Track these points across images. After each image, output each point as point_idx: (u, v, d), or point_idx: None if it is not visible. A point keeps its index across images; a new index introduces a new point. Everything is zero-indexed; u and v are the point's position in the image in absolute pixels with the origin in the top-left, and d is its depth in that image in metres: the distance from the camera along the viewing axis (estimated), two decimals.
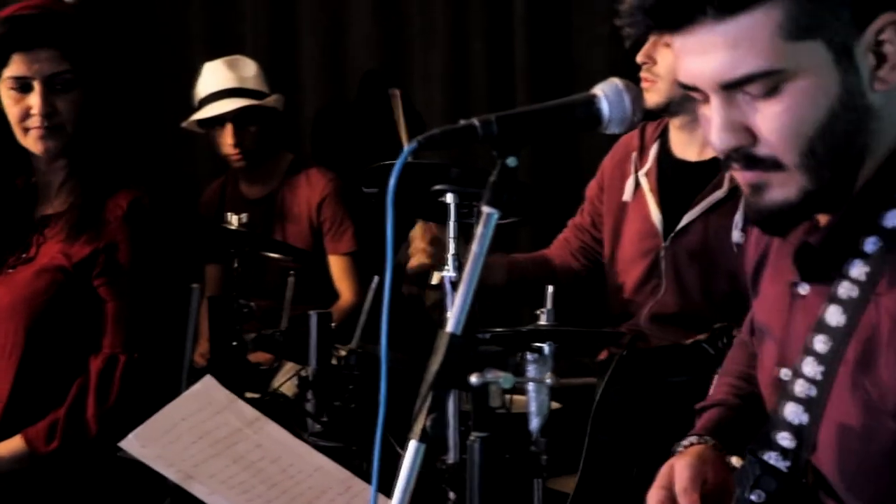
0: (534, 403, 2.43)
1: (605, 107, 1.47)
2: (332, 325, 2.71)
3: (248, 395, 2.71)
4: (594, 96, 1.48)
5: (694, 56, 1.43)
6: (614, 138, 3.09)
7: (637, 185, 2.99)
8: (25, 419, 2.50)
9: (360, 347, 2.61)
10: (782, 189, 1.44)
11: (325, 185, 3.86)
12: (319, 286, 3.82)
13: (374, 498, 1.42)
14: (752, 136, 1.43)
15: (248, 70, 3.86)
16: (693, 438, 1.68)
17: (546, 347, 2.42)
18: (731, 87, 1.42)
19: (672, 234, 2.87)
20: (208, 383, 2.13)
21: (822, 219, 1.51)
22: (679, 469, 1.59)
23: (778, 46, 1.39)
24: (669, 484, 1.61)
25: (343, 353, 2.63)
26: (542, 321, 2.47)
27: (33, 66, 2.51)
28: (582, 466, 2.28)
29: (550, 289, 2.45)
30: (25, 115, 2.52)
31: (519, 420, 2.49)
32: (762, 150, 1.43)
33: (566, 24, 3.64)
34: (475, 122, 1.44)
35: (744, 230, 2.46)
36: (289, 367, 3.18)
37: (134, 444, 2.01)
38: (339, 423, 2.55)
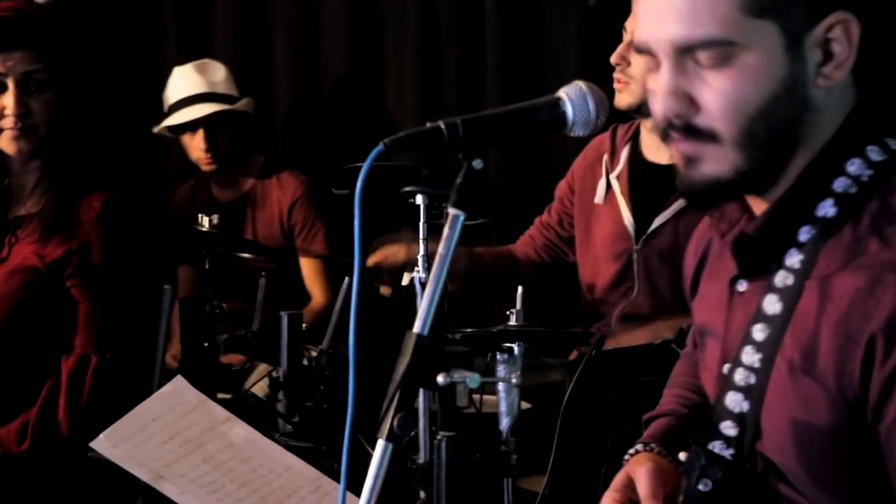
0: (504, 403, 2.45)
1: (569, 110, 1.50)
2: (304, 326, 2.72)
3: (221, 395, 2.73)
4: (558, 99, 1.50)
5: (654, 17, 1.47)
6: (585, 140, 3.11)
7: (608, 187, 3.01)
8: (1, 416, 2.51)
9: (331, 348, 2.61)
10: (715, 164, 1.47)
11: (297, 188, 3.86)
12: (292, 288, 3.83)
13: (343, 496, 1.44)
14: (695, 106, 1.46)
15: (217, 74, 3.86)
16: (639, 447, 1.70)
17: (516, 348, 2.44)
18: (684, 52, 1.45)
19: (644, 237, 2.89)
20: (179, 384, 2.14)
21: (758, 209, 1.53)
22: (641, 476, 1.61)
23: (736, 18, 1.42)
24: (624, 488, 1.64)
25: (314, 353, 2.63)
26: (512, 321, 2.49)
27: (7, 65, 2.51)
28: (551, 466, 2.30)
29: (521, 290, 2.47)
30: None
31: (489, 420, 2.51)
32: (702, 121, 1.46)
33: (537, 24, 3.65)
34: (441, 125, 1.45)
35: None
36: (262, 369, 3.20)
37: (105, 444, 2.02)
38: (310, 423, 2.56)
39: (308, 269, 3.87)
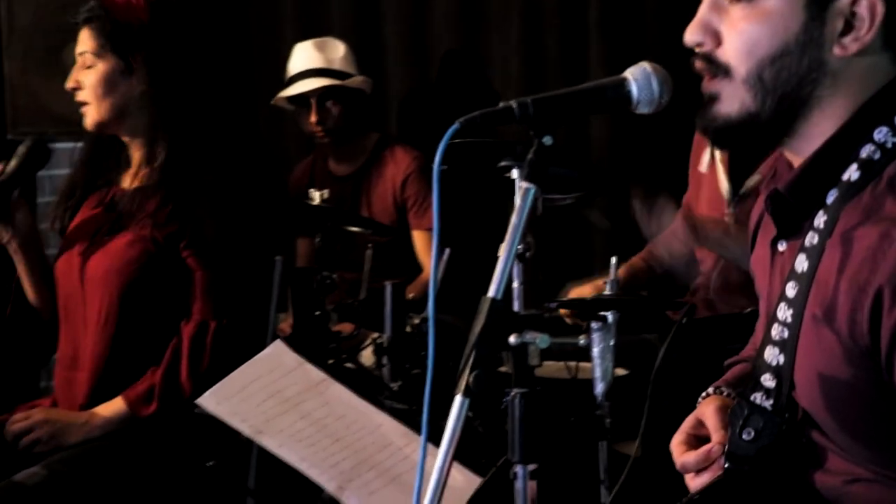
0: (598, 369, 2.53)
1: (634, 89, 1.58)
2: (411, 295, 2.83)
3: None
4: (624, 79, 1.58)
5: None
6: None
7: (712, 156, 3.07)
8: (122, 379, 2.62)
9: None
10: (728, 103, 1.57)
11: (410, 163, 3.93)
12: (403, 260, 3.90)
13: (424, 447, 1.54)
14: (718, 40, 1.57)
15: (335, 52, 3.93)
16: (710, 390, 1.79)
17: (610, 316, 2.53)
18: None
19: (735, 200, 2.94)
20: (278, 348, 2.23)
21: (795, 162, 1.62)
22: (709, 415, 1.70)
23: None
24: (692, 428, 1.73)
25: (416, 321, 2.74)
26: (607, 291, 2.58)
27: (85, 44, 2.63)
28: (643, 430, 2.37)
29: (614, 260, 2.56)
30: None
31: (585, 385, 2.60)
32: (720, 55, 1.57)
33: (640, 2, 3.70)
34: (513, 104, 1.55)
35: None
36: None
37: (210, 401, 2.12)
38: (412, 386, 2.67)
39: (420, 241, 3.93)
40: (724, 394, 1.76)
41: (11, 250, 2.72)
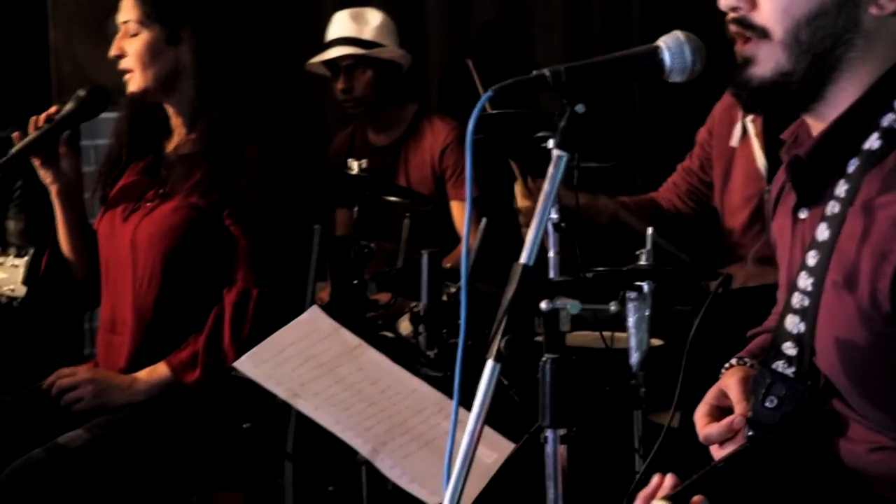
0: (633, 339, 2.53)
1: (666, 57, 1.59)
2: (448, 265, 2.84)
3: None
4: (657, 48, 1.59)
5: None
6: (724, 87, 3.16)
7: (744, 130, 3.06)
8: (163, 344, 2.65)
9: (469, 284, 2.72)
10: (764, 65, 1.58)
11: (448, 134, 3.92)
12: (442, 229, 3.89)
13: (456, 411, 1.57)
14: (753, 3, 1.58)
15: (370, 22, 3.92)
16: (734, 361, 1.80)
17: (646, 286, 2.53)
18: None
19: (774, 177, 2.94)
20: (314, 313, 2.25)
21: (816, 130, 1.62)
22: (732, 385, 1.72)
23: None
24: (714, 399, 1.74)
25: (453, 290, 2.76)
26: (642, 261, 2.58)
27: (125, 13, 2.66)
28: (677, 399, 2.38)
29: (650, 230, 2.56)
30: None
31: (620, 355, 2.61)
32: (757, 17, 1.58)
33: None
34: (546, 72, 1.56)
35: None
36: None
37: (247, 365, 2.15)
38: (447, 353, 2.69)
39: (458, 212, 3.93)
40: (748, 364, 1.77)
41: (52, 195, 2.75)
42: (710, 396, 1.75)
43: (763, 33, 1.58)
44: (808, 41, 1.55)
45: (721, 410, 1.72)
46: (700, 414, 1.74)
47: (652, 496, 1.56)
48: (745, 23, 1.59)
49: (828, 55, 1.56)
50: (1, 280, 2.76)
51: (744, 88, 1.62)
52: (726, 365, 1.81)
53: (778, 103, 1.63)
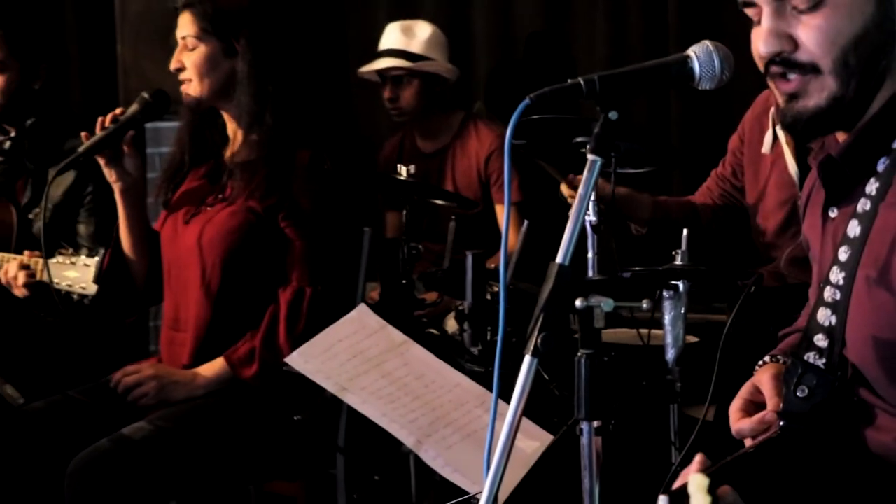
0: (670, 336, 2.53)
1: (696, 66, 1.58)
2: (492, 266, 2.84)
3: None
4: (687, 57, 1.59)
5: None
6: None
7: (775, 138, 3.04)
8: (223, 341, 2.67)
9: (511, 284, 2.73)
10: (815, 96, 1.56)
11: (493, 140, 3.92)
12: (486, 231, 3.89)
13: (495, 404, 1.57)
14: (794, 43, 1.56)
15: (419, 35, 3.93)
16: (767, 358, 1.79)
17: (681, 285, 2.52)
18: None
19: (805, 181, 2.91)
20: (362, 311, 2.26)
21: (841, 137, 1.61)
22: (765, 382, 1.70)
23: None
24: (749, 394, 1.73)
25: (496, 289, 2.74)
26: (678, 261, 2.57)
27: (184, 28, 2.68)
28: (711, 394, 2.37)
29: (685, 232, 2.55)
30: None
31: (656, 352, 2.60)
32: (802, 56, 1.55)
33: None
34: (581, 81, 1.56)
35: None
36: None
37: (298, 360, 2.17)
38: (491, 350, 2.69)
39: (502, 214, 3.89)
40: (780, 361, 1.76)
41: (116, 194, 2.77)
42: (744, 391, 1.74)
43: (812, 69, 1.56)
44: (855, 64, 1.54)
45: (755, 405, 1.71)
46: (734, 408, 1.72)
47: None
48: (790, 63, 1.57)
49: (874, 71, 1.55)
50: (74, 279, 2.80)
51: (798, 121, 1.59)
52: (760, 362, 1.80)
53: (833, 127, 1.61)
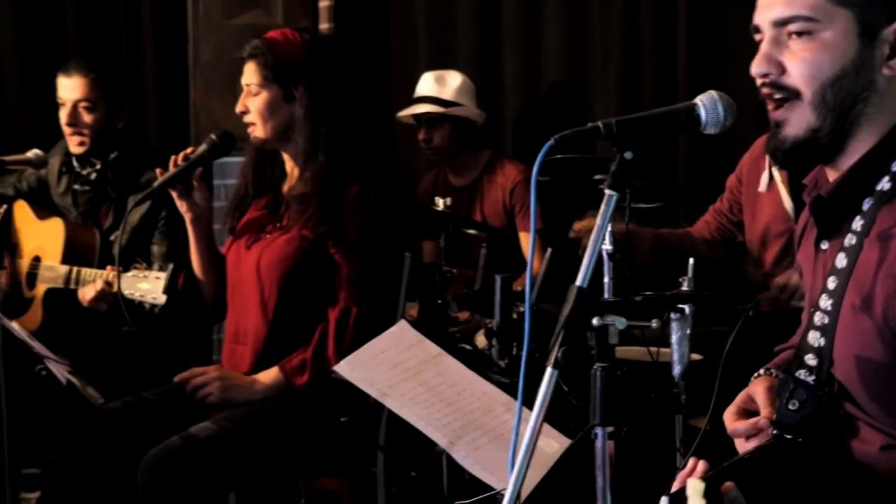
0: (676, 354, 2.52)
1: (702, 113, 1.60)
2: (518, 288, 2.84)
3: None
4: (694, 105, 1.61)
5: (766, 4, 1.60)
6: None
7: (771, 178, 3.03)
8: (279, 354, 2.67)
9: (535, 305, 2.73)
10: (795, 126, 1.58)
11: (517, 175, 3.92)
12: (511, 257, 3.88)
13: (519, 410, 1.58)
14: (782, 69, 1.58)
15: (450, 83, 3.95)
16: (762, 371, 1.79)
17: (687, 308, 2.51)
18: (780, 25, 1.57)
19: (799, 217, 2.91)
20: (402, 326, 2.28)
21: (832, 177, 1.62)
22: (759, 392, 1.71)
23: (822, 4, 1.54)
24: (743, 402, 1.73)
25: (522, 309, 2.76)
26: (684, 287, 2.57)
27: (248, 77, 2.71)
28: (712, 407, 2.36)
29: (691, 261, 2.55)
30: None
31: (664, 368, 2.59)
32: (787, 80, 1.58)
33: (722, 46, 3.67)
34: (599, 124, 1.58)
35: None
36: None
37: (345, 368, 2.19)
38: (516, 363, 2.69)
39: (525, 242, 3.91)
40: (774, 375, 1.76)
41: (187, 223, 2.79)
42: (739, 400, 1.75)
43: (794, 94, 1.58)
44: (832, 100, 1.55)
45: (747, 413, 1.71)
46: (729, 413, 1.73)
47: (688, 477, 1.55)
48: (776, 85, 1.59)
49: (849, 112, 1.56)
50: (146, 290, 2.83)
51: (780, 149, 1.61)
52: (755, 374, 1.80)
53: (809, 158, 1.63)
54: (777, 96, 1.59)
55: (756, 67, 1.60)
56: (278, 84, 2.69)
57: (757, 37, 1.63)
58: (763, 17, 1.60)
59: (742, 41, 3.56)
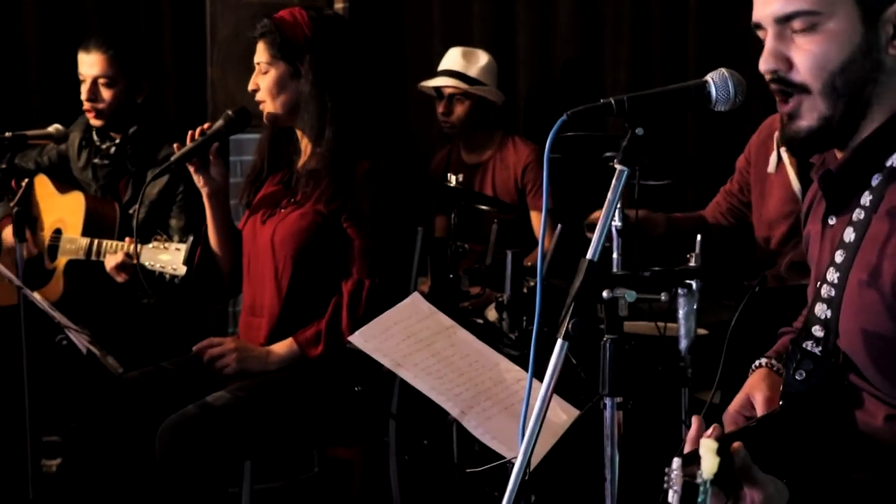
0: (683, 328, 2.52)
1: (713, 90, 1.59)
2: (528, 263, 2.84)
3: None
4: (705, 82, 1.60)
5: (763, 1, 1.59)
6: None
7: (779, 159, 3.02)
8: (294, 326, 2.68)
9: (546, 280, 2.72)
10: (808, 116, 1.56)
11: (529, 154, 3.91)
12: (521, 233, 3.88)
13: (530, 381, 1.58)
14: (790, 64, 1.56)
15: (478, 62, 3.92)
16: (763, 361, 1.79)
17: (694, 283, 2.51)
18: (782, 22, 1.55)
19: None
20: (415, 298, 2.28)
21: (839, 154, 1.61)
22: (759, 401, 1.72)
23: None
24: (741, 407, 1.74)
25: (532, 283, 2.75)
26: (692, 263, 2.56)
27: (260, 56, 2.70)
28: (717, 380, 2.37)
29: (699, 237, 2.54)
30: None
31: (671, 342, 2.60)
32: (796, 76, 1.56)
33: (733, 22, 3.63)
34: (612, 100, 1.57)
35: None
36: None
37: (359, 339, 2.19)
38: (527, 336, 2.70)
39: (536, 219, 3.92)
40: (774, 369, 1.76)
41: (203, 197, 2.80)
42: (737, 404, 1.75)
43: (803, 89, 1.56)
44: (842, 87, 1.54)
45: (746, 420, 1.72)
46: (728, 419, 1.73)
47: (696, 437, 1.56)
48: (785, 81, 1.57)
49: (859, 95, 1.55)
50: (166, 261, 2.84)
51: (795, 140, 1.60)
52: (755, 364, 1.80)
53: (825, 145, 1.62)
54: (787, 91, 1.58)
55: (764, 64, 1.58)
56: (286, 61, 2.69)
57: (759, 33, 1.61)
58: (763, 12, 1.59)
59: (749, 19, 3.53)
